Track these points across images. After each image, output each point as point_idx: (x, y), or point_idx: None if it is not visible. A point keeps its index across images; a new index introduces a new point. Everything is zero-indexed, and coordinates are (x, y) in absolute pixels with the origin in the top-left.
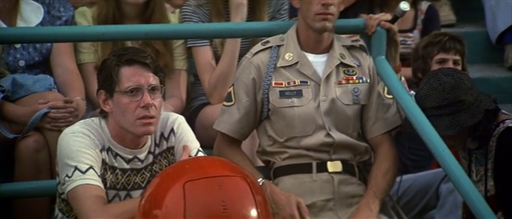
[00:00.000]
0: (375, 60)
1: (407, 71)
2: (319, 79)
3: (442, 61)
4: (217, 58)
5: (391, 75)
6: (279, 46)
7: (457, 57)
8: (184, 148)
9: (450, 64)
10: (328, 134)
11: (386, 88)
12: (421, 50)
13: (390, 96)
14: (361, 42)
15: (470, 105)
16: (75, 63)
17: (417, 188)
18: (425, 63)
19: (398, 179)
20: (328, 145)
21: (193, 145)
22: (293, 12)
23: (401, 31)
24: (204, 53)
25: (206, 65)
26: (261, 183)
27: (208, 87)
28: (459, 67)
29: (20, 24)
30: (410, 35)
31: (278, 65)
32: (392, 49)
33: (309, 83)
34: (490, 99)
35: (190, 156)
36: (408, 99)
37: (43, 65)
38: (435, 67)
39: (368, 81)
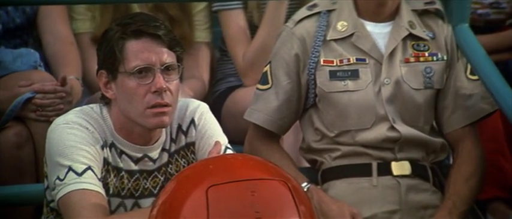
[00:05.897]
0: (455, 29)
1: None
2: (380, 57)
3: None
4: (251, 27)
5: (477, 49)
6: (329, 11)
7: None
8: (216, 144)
9: None
10: (392, 128)
11: (469, 67)
12: None
13: (475, 77)
14: (438, 6)
15: None
16: (69, 28)
17: None
18: None
19: None
20: (393, 141)
21: (220, 141)
22: None
23: None
24: (236, 18)
25: (239, 34)
26: (305, 189)
27: (243, 64)
28: None
29: None
30: None
31: (328, 37)
32: None
33: (367, 61)
34: None
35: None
36: (499, 80)
37: (26, 33)
38: None
39: (445, 58)
